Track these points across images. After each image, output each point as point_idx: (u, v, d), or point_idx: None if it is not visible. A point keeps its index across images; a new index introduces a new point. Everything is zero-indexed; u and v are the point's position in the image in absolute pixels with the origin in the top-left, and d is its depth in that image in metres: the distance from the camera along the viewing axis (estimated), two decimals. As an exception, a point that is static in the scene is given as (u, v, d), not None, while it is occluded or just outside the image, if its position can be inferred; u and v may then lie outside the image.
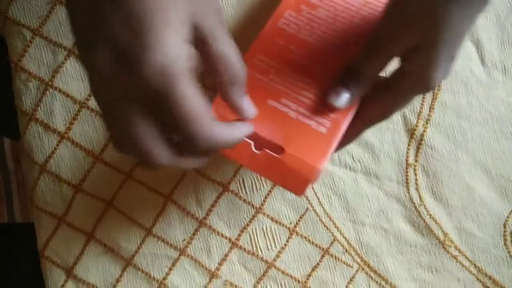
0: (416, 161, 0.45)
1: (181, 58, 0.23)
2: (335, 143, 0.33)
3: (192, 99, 0.24)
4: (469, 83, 0.45)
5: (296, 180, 0.33)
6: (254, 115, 0.31)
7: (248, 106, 0.30)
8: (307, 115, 0.34)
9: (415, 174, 0.45)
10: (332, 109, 0.33)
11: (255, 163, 0.33)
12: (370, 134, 0.45)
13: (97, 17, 0.23)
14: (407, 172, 0.45)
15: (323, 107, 0.34)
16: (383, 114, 0.34)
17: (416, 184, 0.45)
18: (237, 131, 0.29)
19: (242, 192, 0.45)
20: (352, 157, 0.45)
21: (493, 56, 0.45)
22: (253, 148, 0.33)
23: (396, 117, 0.45)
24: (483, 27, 0.45)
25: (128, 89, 0.23)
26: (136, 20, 0.23)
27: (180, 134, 0.25)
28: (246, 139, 0.33)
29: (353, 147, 0.45)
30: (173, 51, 0.23)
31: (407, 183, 0.45)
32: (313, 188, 0.45)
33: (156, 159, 0.25)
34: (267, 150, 0.32)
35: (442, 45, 0.29)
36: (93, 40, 0.23)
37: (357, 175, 0.45)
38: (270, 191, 0.45)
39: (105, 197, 0.45)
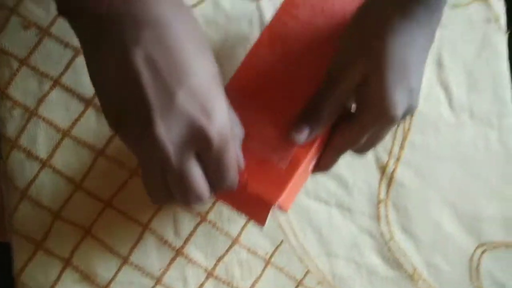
0: (387, 197, 0.47)
1: (229, 121, 0.29)
2: (293, 180, 0.35)
3: (234, 153, 0.30)
4: (438, 125, 0.47)
5: (255, 213, 0.35)
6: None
7: (242, 158, 0.34)
8: (271, 151, 0.35)
9: (386, 210, 0.47)
10: (294, 145, 0.35)
11: (222, 194, 0.35)
12: (344, 170, 0.47)
13: (165, 91, 0.26)
14: (378, 207, 0.47)
15: (287, 143, 0.35)
16: (350, 144, 0.35)
17: (387, 219, 0.47)
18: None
19: (219, 222, 0.46)
20: (327, 191, 0.47)
21: (461, 100, 0.48)
22: None
23: (369, 154, 0.47)
24: (452, 72, 0.48)
25: (192, 145, 0.28)
26: (199, 94, 0.27)
27: (216, 177, 0.30)
28: None
29: (328, 182, 0.47)
30: (226, 117, 0.28)
31: (378, 218, 0.47)
32: (288, 220, 0.46)
33: (203, 195, 0.30)
34: None
35: (390, 74, 0.31)
36: (163, 112, 0.27)
37: (331, 209, 0.47)
38: (247, 222, 0.46)
39: (83, 224, 0.45)
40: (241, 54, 0.47)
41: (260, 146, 0.35)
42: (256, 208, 0.35)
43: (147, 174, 0.30)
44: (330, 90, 0.33)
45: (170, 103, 0.26)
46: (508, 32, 0.49)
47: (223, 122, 0.28)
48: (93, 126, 0.46)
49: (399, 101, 0.31)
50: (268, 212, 0.35)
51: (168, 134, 0.27)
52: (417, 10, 0.31)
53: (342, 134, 0.35)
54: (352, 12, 0.36)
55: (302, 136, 0.34)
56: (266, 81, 0.37)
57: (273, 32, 0.38)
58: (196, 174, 0.29)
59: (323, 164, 0.37)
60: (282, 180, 0.34)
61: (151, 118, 0.26)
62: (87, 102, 0.46)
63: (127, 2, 0.25)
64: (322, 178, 0.47)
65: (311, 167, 0.38)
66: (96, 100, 0.46)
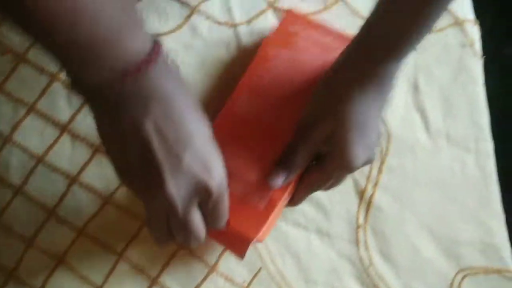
0: (365, 222, 0.46)
1: (225, 175, 0.33)
2: (270, 218, 0.39)
3: (228, 200, 0.35)
4: (415, 149, 0.47)
5: (235, 247, 0.40)
6: None
7: None
8: (251, 192, 0.39)
9: (365, 235, 0.46)
10: (271, 187, 0.39)
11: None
12: (323, 195, 0.46)
13: (173, 155, 0.31)
14: (357, 232, 0.46)
15: (265, 185, 0.39)
16: (318, 186, 0.41)
17: (366, 244, 0.46)
18: None
19: (197, 250, 0.45)
20: (305, 216, 0.46)
21: (437, 124, 0.48)
22: None
23: (347, 179, 0.46)
24: (428, 97, 0.48)
25: (196, 197, 0.32)
26: (201, 155, 0.32)
27: (212, 220, 0.35)
28: None
29: (306, 207, 0.46)
30: (223, 171, 0.33)
31: (357, 243, 0.46)
32: (267, 246, 0.46)
33: (201, 237, 0.35)
34: None
35: (351, 133, 0.37)
36: (172, 172, 0.31)
37: (310, 234, 0.46)
38: (224, 250, 0.45)
39: (56, 252, 0.44)
40: (218, 77, 0.47)
41: (241, 188, 0.39)
42: (236, 242, 0.39)
43: (153, 219, 0.34)
44: (302, 141, 0.39)
45: (178, 164, 0.31)
46: (484, 57, 0.49)
47: (221, 176, 0.33)
48: (68, 152, 0.45)
49: (359, 155, 0.37)
50: (247, 247, 0.39)
51: (177, 189, 0.31)
52: (371, 87, 0.37)
53: (313, 177, 0.40)
54: (320, 67, 0.42)
55: (279, 180, 0.39)
56: (245, 127, 0.41)
57: (250, 83, 0.43)
58: (197, 220, 0.33)
59: (294, 201, 0.42)
60: (260, 218, 0.39)
61: (162, 177, 0.31)
62: (62, 128, 0.45)
63: (137, 82, 0.29)
64: (300, 204, 0.46)
65: (285, 203, 0.42)
66: (71, 126, 0.46)
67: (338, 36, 0.44)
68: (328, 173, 0.39)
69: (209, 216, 0.35)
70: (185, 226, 0.33)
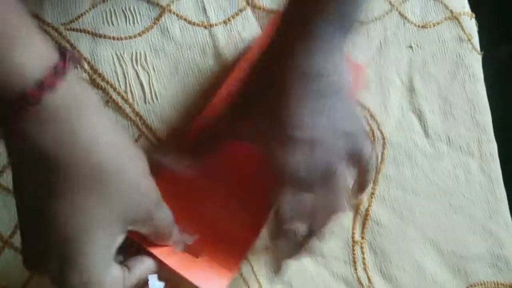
0: (362, 238, 0.42)
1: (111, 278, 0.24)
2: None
3: None
4: (413, 155, 0.43)
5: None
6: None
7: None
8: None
9: (363, 253, 0.42)
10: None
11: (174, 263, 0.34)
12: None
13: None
14: (353, 250, 0.42)
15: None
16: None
17: (364, 263, 0.42)
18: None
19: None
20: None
21: (436, 127, 0.44)
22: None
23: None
24: (425, 98, 0.44)
25: None
26: (64, 249, 0.23)
27: None
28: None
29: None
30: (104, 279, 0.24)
31: (354, 262, 0.42)
32: (252, 270, 0.41)
33: None
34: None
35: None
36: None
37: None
38: None
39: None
40: (193, 85, 0.43)
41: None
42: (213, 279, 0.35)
43: None
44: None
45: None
46: (483, 53, 0.45)
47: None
48: None
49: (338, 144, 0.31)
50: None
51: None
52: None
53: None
54: None
55: None
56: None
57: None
58: None
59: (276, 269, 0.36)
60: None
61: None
62: None
63: (35, 114, 0.21)
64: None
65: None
66: None
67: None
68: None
69: None
70: None
